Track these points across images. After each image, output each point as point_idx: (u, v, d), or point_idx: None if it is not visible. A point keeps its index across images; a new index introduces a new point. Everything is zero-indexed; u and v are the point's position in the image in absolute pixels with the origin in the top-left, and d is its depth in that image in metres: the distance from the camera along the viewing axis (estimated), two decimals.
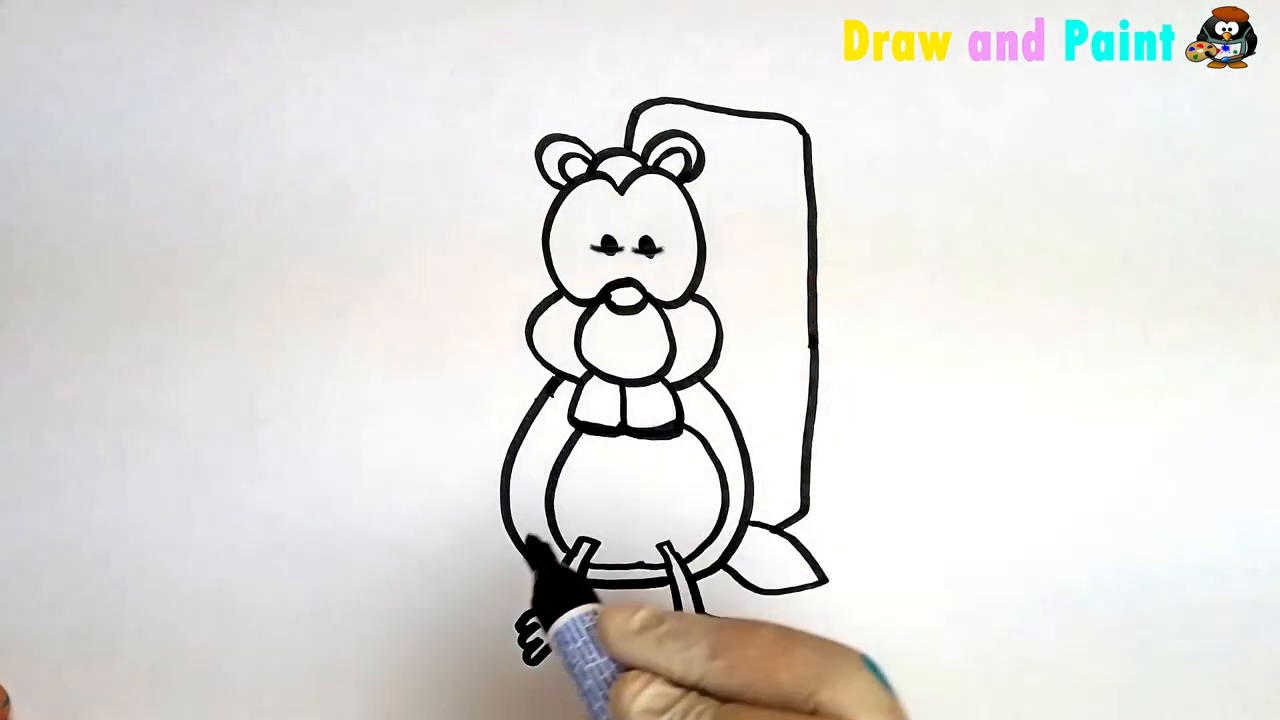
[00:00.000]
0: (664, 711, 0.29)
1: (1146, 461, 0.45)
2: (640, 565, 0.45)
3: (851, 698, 0.28)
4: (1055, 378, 0.45)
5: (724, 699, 0.29)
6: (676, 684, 0.30)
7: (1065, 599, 0.44)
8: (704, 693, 0.30)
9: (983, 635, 0.44)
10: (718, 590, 0.44)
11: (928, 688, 0.44)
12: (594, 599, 0.33)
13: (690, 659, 0.30)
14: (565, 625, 0.32)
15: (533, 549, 0.36)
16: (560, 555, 0.42)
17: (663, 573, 0.45)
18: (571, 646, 0.32)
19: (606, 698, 0.31)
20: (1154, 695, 0.44)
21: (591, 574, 0.45)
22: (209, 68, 0.47)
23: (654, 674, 0.30)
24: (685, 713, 0.29)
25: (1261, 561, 0.44)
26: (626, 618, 0.31)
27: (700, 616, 0.32)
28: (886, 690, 0.30)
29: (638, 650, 0.31)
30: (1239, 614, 0.44)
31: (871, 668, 0.30)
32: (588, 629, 0.32)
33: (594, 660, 0.31)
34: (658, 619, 0.31)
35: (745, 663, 0.29)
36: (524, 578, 0.43)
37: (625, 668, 0.31)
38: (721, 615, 0.33)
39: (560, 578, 0.34)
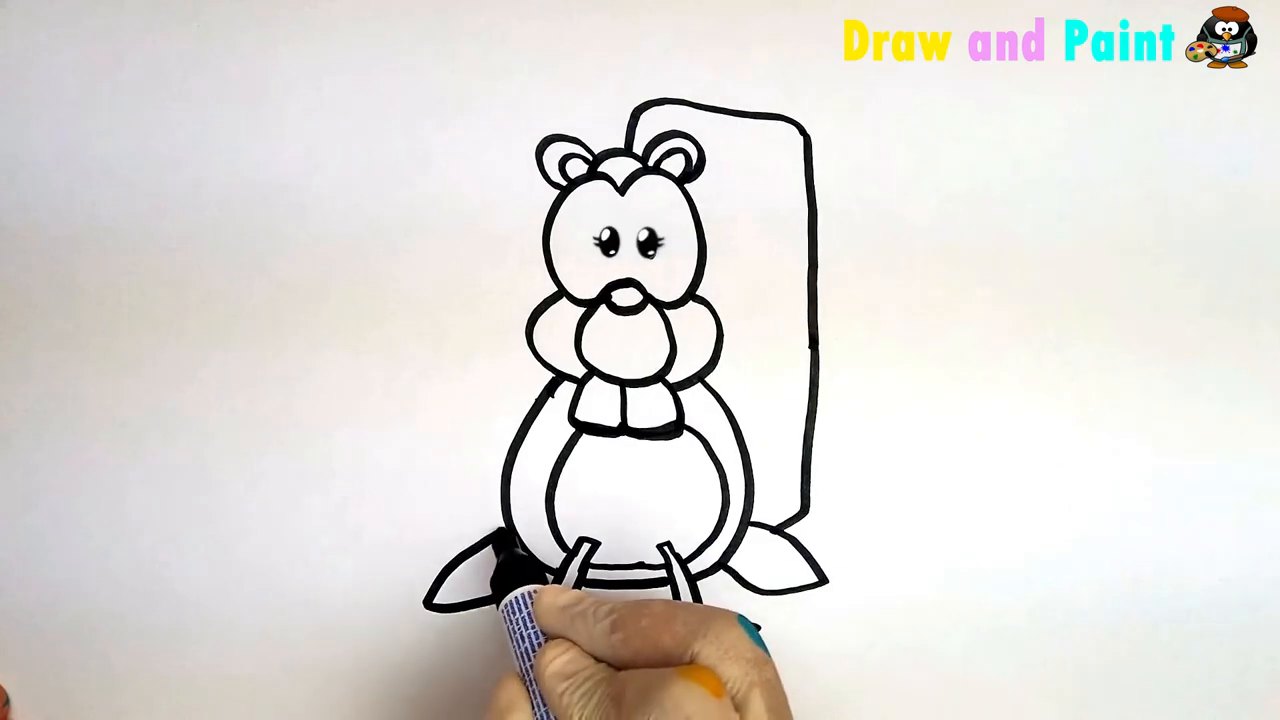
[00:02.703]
0: (572, 675, 0.34)
1: (1147, 461, 0.45)
2: (640, 565, 0.45)
3: (721, 648, 0.33)
4: (1055, 378, 0.45)
5: (623, 667, 0.34)
6: (595, 657, 0.35)
7: (1065, 599, 0.44)
8: (611, 665, 0.35)
9: (983, 635, 0.44)
10: (718, 590, 0.44)
11: (928, 687, 0.44)
12: (543, 580, 0.39)
13: (595, 634, 0.35)
14: (511, 599, 0.39)
15: (498, 537, 0.43)
16: (519, 542, 0.45)
17: (663, 573, 0.45)
18: (514, 617, 0.38)
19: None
20: (1154, 695, 0.44)
21: (591, 574, 0.45)
22: (209, 68, 0.47)
23: (573, 644, 0.36)
24: (588, 678, 0.34)
25: (1261, 563, 0.44)
26: (554, 596, 0.37)
27: (612, 599, 0.36)
28: (756, 644, 0.34)
29: (557, 624, 0.37)
30: (1239, 615, 0.44)
31: (745, 625, 0.34)
32: (529, 604, 0.38)
33: (529, 629, 0.38)
34: (578, 599, 0.37)
35: (638, 633, 0.34)
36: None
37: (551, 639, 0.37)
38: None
39: (516, 561, 0.41)
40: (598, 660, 0.35)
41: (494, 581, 0.41)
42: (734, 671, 0.32)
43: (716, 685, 0.31)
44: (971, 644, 0.44)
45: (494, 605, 0.41)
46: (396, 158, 0.46)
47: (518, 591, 0.39)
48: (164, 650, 0.44)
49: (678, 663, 0.33)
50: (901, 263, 0.45)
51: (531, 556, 0.44)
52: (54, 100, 0.47)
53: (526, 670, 0.37)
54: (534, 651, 0.37)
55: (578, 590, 0.38)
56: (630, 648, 0.34)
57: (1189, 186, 0.46)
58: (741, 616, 0.34)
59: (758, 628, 0.35)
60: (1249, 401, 0.45)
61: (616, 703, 0.32)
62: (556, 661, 0.35)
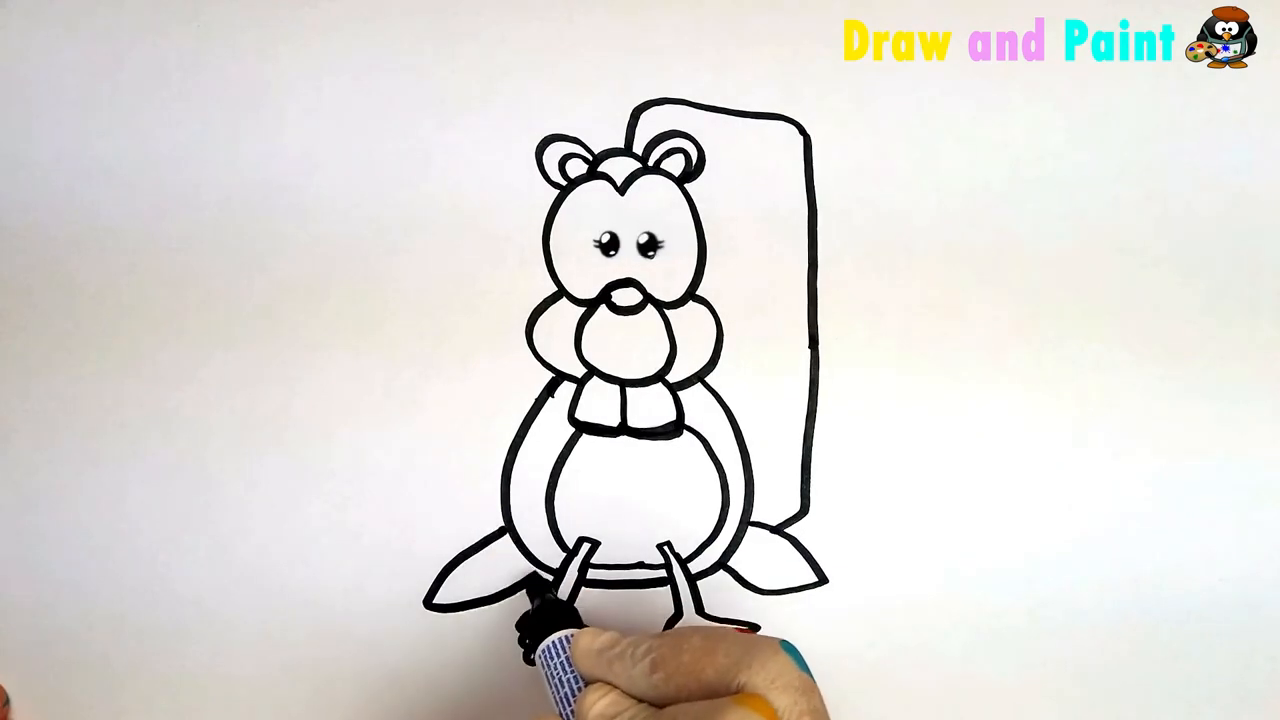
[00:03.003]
0: (614, 717, 0.34)
1: (1146, 461, 0.45)
2: (640, 565, 0.45)
3: (767, 677, 0.32)
4: (1055, 377, 0.45)
5: (666, 704, 0.33)
6: (635, 697, 0.35)
7: (1065, 599, 0.44)
8: (653, 704, 0.34)
9: (983, 635, 0.44)
10: (718, 590, 0.44)
11: (928, 687, 0.44)
12: (579, 624, 0.39)
13: (634, 675, 0.34)
14: (548, 645, 0.39)
15: (532, 582, 0.44)
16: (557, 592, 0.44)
17: (663, 573, 0.45)
18: (553, 662, 0.38)
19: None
20: (1154, 695, 0.44)
21: (591, 574, 0.45)
22: (209, 68, 0.47)
23: (613, 686, 0.35)
24: (632, 719, 0.33)
25: (1261, 563, 0.44)
26: (591, 640, 0.37)
27: (649, 636, 0.35)
28: (801, 669, 0.33)
29: (595, 668, 0.36)
30: (1239, 615, 0.44)
31: (789, 651, 0.33)
32: (565, 649, 0.38)
33: (568, 674, 0.37)
34: (614, 641, 0.36)
35: (680, 670, 0.33)
36: (526, 575, 0.44)
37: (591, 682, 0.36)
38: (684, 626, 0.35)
39: (550, 606, 0.41)
40: (639, 700, 0.35)
41: (527, 627, 0.41)
42: (784, 701, 0.32)
43: (771, 713, 0.31)
44: (971, 644, 0.44)
45: (527, 655, 0.42)
46: (396, 158, 0.46)
47: (554, 637, 0.39)
48: (164, 650, 0.45)
49: (723, 694, 0.32)
50: (901, 263, 0.46)
51: (566, 601, 0.44)
52: (54, 100, 0.47)
53: (568, 716, 0.36)
54: (573, 697, 0.37)
55: (614, 632, 0.37)
56: (673, 684, 0.33)
57: (1189, 186, 0.46)
58: (785, 642, 0.34)
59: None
60: (1249, 401, 0.45)
61: None
62: (599, 705, 0.35)
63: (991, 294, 0.45)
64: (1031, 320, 0.45)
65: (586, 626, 0.39)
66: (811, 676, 0.33)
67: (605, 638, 0.37)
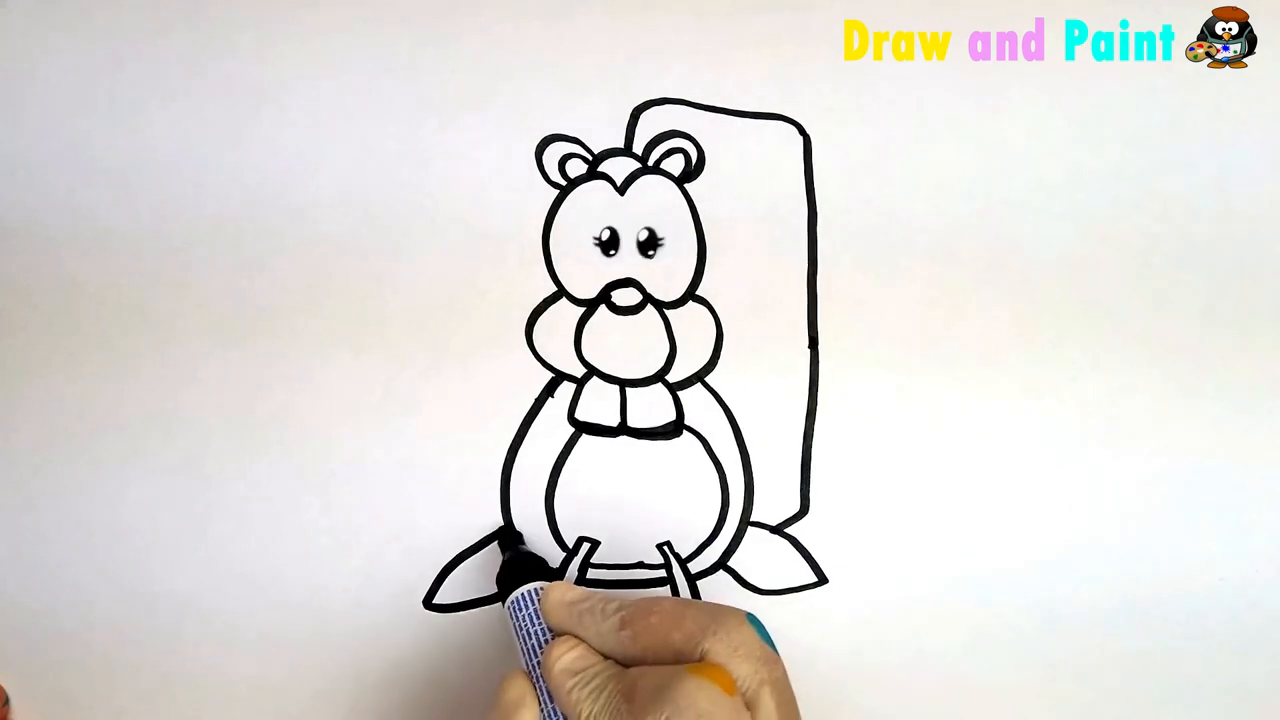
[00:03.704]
0: (580, 672, 0.34)
1: (1146, 461, 0.45)
2: (640, 565, 0.45)
3: (731, 646, 0.33)
4: (1054, 377, 0.45)
5: (631, 664, 0.34)
6: (602, 654, 0.35)
7: (1065, 599, 0.44)
8: (619, 662, 0.34)
9: (983, 636, 0.44)
10: (718, 590, 0.44)
11: (928, 688, 0.44)
12: (549, 577, 0.39)
13: (604, 630, 0.35)
14: (517, 596, 0.39)
15: (503, 534, 0.43)
16: (524, 541, 0.44)
17: (663, 573, 0.45)
18: (521, 614, 0.38)
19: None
20: (1154, 695, 0.44)
21: (591, 574, 0.45)
22: (209, 68, 0.47)
23: (580, 640, 0.36)
24: (597, 674, 0.34)
25: (1261, 563, 0.44)
26: (562, 592, 0.37)
27: (620, 595, 0.36)
28: (765, 642, 0.34)
29: (565, 621, 0.36)
30: (1239, 615, 0.44)
31: (754, 623, 0.34)
32: (536, 601, 0.38)
33: (536, 626, 0.37)
34: (585, 596, 0.37)
35: (647, 630, 0.34)
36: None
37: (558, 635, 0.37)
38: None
39: (523, 558, 0.41)
40: (606, 657, 0.35)
41: (500, 579, 0.41)
42: (744, 669, 0.32)
43: (728, 682, 0.32)
44: (971, 644, 0.44)
45: (499, 603, 0.41)
46: (396, 158, 0.46)
47: (524, 588, 0.39)
48: (164, 650, 0.45)
49: (687, 660, 0.33)
50: (901, 263, 0.45)
51: (535, 555, 0.43)
52: (54, 100, 0.47)
53: (533, 667, 0.37)
54: (541, 648, 0.37)
55: (583, 588, 0.38)
56: (639, 644, 0.34)
57: (1189, 186, 0.46)
58: (751, 615, 0.35)
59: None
60: (1249, 402, 0.45)
61: (627, 699, 0.32)
62: (565, 658, 0.35)
63: (991, 294, 0.45)
64: (1031, 321, 0.45)
65: (558, 581, 0.39)
66: (776, 650, 0.34)
67: (576, 592, 0.37)
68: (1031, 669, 0.44)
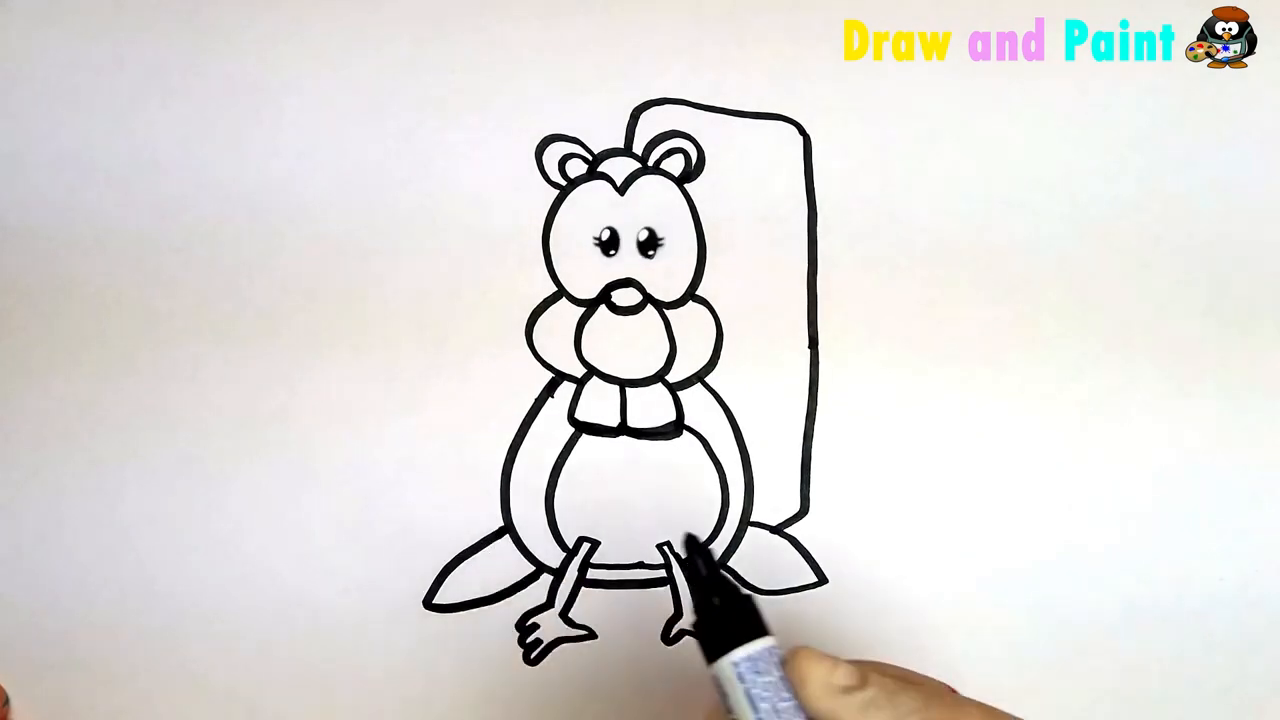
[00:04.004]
0: None
1: (1146, 461, 0.45)
2: (640, 565, 0.45)
3: None
4: (1054, 377, 0.45)
5: None
6: None
7: (1064, 598, 0.44)
8: None
9: (982, 635, 0.44)
10: None
11: None
12: (765, 625, 0.31)
13: None
14: (759, 653, 0.30)
15: (696, 550, 0.32)
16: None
17: (663, 573, 0.45)
18: (762, 679, 0.30)
19: None
20: (1154, 696, 0.44)
21: (591, 574, 0.45)
22: (209, 68, 0.47)
23: None
24: None
25: (1261, 563, 0.44)
26: (829, 671, 0.29)
27: (902, 685, 0.30)
28: None
29: (842, 712, 0.29)
30: (1239, 615, 0.44)
31: None
32: (779, 666, 0.30)
33: (787, 701, 0.30)
34: (861, 679, 0.29)
35: None
36: (525, 575, 0.44)
37: None
38: (909, 674, 0.31)
39: (734, 601, 0.31)
40: None
41: (704, 612, 0.31)
42: None
43: None
44: (971, 644, 0.44)
45: (708, 660, 0.31)
46: (396, 158, 0.46)
47: (757, 648, 0.30)
48: (164, 650, 0.44)
49: None
50: (901, 263, 0.45)
51: (743, 592, 0.32)
52: (54, 100, 0.47)
53: None
54: None
55: (847, 663, 0.30)
56: None
57: (1189, 186, 0.46)
58: None
59: None
60: (1248, 402, 0.45)
61: None
62: None
63: (991, 294, 0.45)
64: (1031, 320, 0.45)
65: (769, 633, 0.31)
66: None
67: (844, 671, 0.30)
68: (1031, 668, 0.44)
